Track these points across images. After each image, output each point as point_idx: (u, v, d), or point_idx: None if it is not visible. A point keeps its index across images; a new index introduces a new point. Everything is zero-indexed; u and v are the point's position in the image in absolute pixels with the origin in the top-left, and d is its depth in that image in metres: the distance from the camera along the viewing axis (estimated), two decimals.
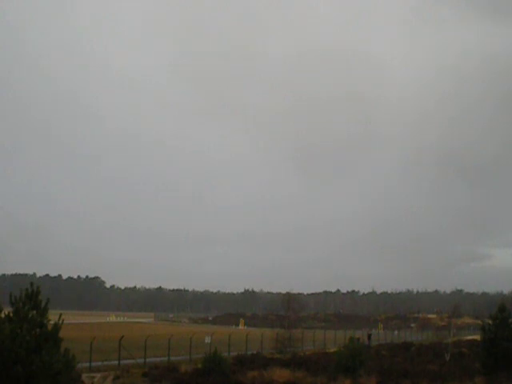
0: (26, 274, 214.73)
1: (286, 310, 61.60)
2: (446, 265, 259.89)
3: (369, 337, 60.99)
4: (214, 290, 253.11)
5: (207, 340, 40.65)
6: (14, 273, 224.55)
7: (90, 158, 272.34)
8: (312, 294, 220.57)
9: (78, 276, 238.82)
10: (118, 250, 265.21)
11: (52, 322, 14.92)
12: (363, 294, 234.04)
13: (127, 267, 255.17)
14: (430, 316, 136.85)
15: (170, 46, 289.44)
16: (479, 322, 73.45)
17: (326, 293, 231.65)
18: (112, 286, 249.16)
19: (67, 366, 14.57)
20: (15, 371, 13.86)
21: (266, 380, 26.54)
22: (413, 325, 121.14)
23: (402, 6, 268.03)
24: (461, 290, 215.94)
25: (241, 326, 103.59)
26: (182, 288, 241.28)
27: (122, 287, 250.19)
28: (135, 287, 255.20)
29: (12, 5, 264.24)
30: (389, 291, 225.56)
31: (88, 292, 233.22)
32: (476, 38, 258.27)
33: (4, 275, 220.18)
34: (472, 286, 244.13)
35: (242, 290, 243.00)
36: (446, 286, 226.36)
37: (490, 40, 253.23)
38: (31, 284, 15.21)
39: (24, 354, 13.90)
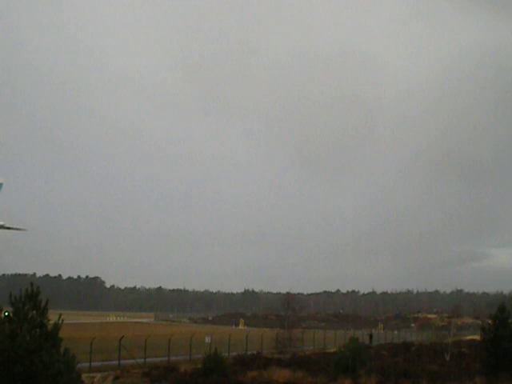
0: (26, 274, 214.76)
1: (286, 310, 61.58)
2: (445, 265, 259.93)
3: (370, 337, 61.09)
4: (214, 290, 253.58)
5: (207, 340, 40.66)
6: (13, 273, 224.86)
7: (89, 158, 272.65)
8: (312, 293, 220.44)
9: (78, 276, 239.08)
10: (118, 250, 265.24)
11: (52, 322, 14.91)
12: (363, 294, 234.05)
13: (127, 267, 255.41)
14: (430, 316, 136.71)
15: (170, 46, 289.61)
16: (479, 321, 73.44)
17: (326, 293, 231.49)
18: (112, 286, 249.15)
19: (67, 366, 14.57)
20: (15, 371, 13.85)
21: (265, 380, 26.54)
22: (413, 325, 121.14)
23: (401, 6, 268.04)
24: (461, 290, 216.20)
25: (241, 326, 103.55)
26: (182, 288, 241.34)
27: (122, 287, 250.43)
28: (135, 287, 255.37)
29: (11, 5, 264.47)
30: (389, 291, 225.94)
31: (88, 292, 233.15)
32: (476, 37, 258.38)
33: (4, 275, 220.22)
34: (472, 286, 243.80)
35: (242, 290, 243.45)
36: (446, 286, 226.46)
37: (491, 39, 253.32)
38: (31, 284, 15.20)
39: (24, 354, 13.89)
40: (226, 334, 46.84)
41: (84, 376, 26.03)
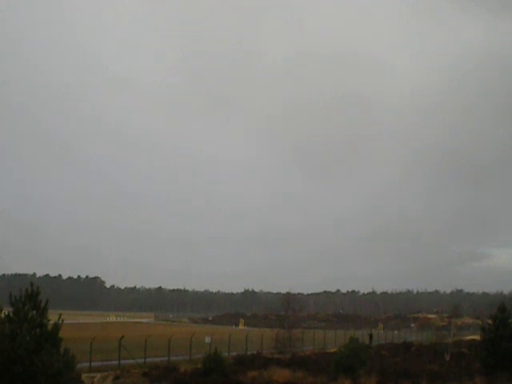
0: (26, 274, 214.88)
1: (286, 310, 61.52)
2: (445, 265, 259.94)
3: (370, 337, 61.08)
4: (214, 290, 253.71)
5: (207, 340, 40.63)
6: (13, 273, 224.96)
7: (90, 158, 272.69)
8: (312, 294, 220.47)
9: (78, 276, 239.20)
10: (118, 250, 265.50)
11: (52, 322, 14.90)
12: (363, 294, 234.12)
13: (127, 267, 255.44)
14: (430, 316, 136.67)
15: (171, 46, 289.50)
16: (479, 321, 73.38)
17: (326, 293, 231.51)
18: (112, 286, 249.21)
19: (67, 366, 14.57)
20: (15, 371, 13.85)
21: (265, 380, 26.51)
22: (413, 325, 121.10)
23: (401, 6, 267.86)
24: (461, 290, 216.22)
25: (241, 326, 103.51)
26: (182, 288, 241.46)
27: (122, 287, 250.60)
28: (135, 287, 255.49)
29: (11, 5, 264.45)
30: (389, 291, 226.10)
31: (88, 292, 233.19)
32: (476, 37, 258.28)
33: (4, 275, 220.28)
34: (472, 286, 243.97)
35: (242, 290, 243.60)
36: (446, 286, 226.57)
37: (491, 39, 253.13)
38: (31, 284, 15.20)
39: (24, 354, 13.89)
40: (225, 334, 46.83)
41: (84, 376, 26.02)
